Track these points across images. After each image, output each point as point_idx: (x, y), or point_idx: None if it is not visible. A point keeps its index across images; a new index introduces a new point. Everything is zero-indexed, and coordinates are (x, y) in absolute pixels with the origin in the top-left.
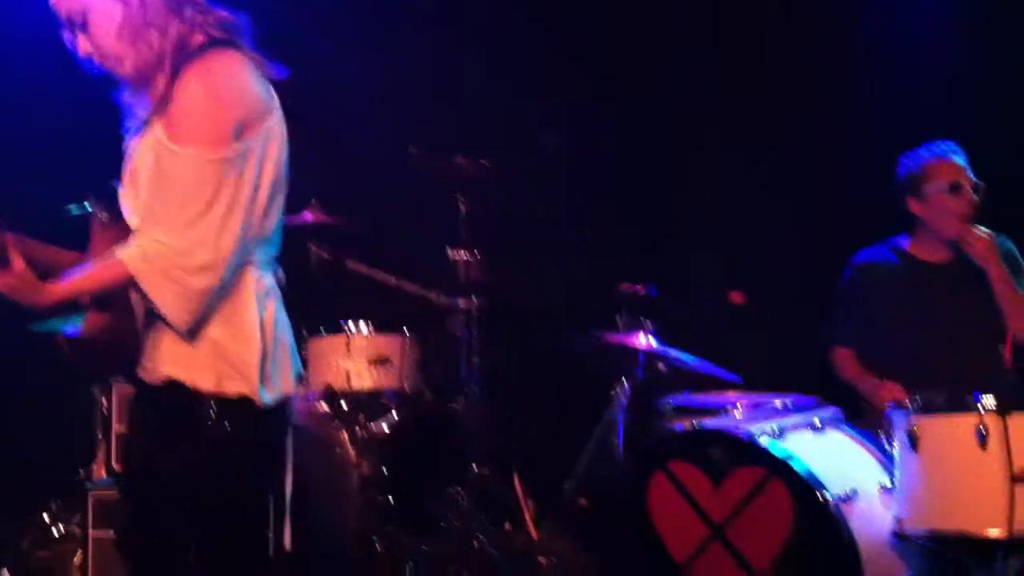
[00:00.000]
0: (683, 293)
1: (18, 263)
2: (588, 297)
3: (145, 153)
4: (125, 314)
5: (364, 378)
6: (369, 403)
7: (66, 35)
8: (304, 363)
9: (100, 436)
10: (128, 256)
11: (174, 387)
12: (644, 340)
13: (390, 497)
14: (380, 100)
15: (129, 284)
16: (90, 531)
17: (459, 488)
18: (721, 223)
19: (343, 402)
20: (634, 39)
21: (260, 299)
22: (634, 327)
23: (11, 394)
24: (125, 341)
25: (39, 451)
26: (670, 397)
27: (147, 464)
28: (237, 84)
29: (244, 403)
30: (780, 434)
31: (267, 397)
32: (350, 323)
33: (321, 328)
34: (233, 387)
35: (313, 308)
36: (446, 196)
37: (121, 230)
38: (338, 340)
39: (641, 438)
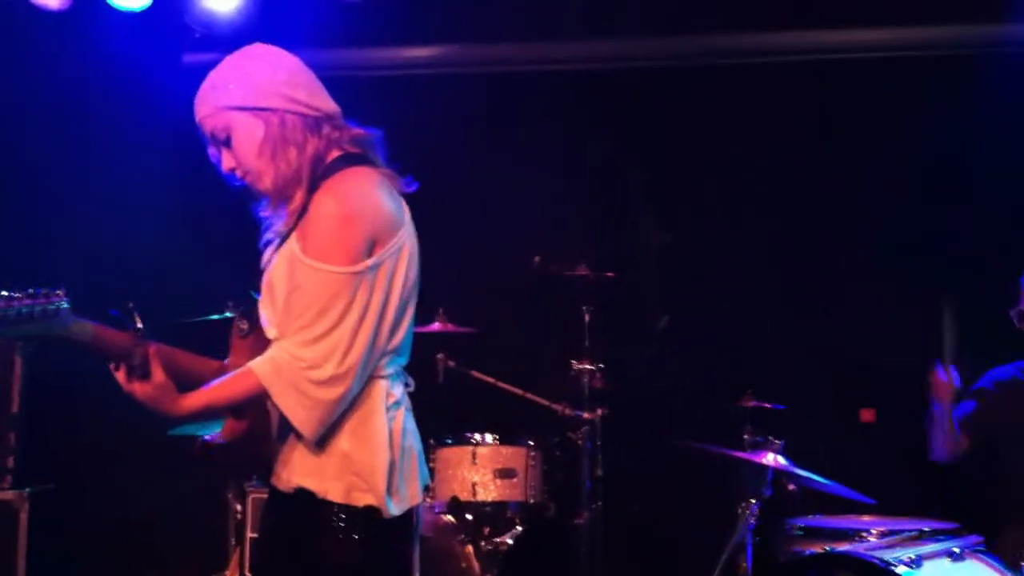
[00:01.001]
0: (812, 410)
1: (158, 374)
2: (713, 412)
3: (281, 265)
4: (261, 422)
5: (489, 490)
6: (494, 515)
7: (211, 151)
8: (431, 473)
9: (234, 541)
10: (259, 368)
11: (304, 496)
12: (772, 458)
13: None
14: (506, 211)
15: (261, 396)
16: None
17: None
18: (850, 338)
19: (468, 514)
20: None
21: (389, 410)
22: (762, 444)
23: (146, 498)
24: (260, 448)
25: (173, 554)
26: (800, 519)
27: (275, 571)
28: (369, 200)
29: (371, 513)
30: (917, 562)
31: (394, 508)
32: (476, 434)
33: (448, 438)
34: (361, 498)
35: (439, 418)
36: (571, 307)
37: (260, 340)
38: (464, 451)
39: (770, 561)
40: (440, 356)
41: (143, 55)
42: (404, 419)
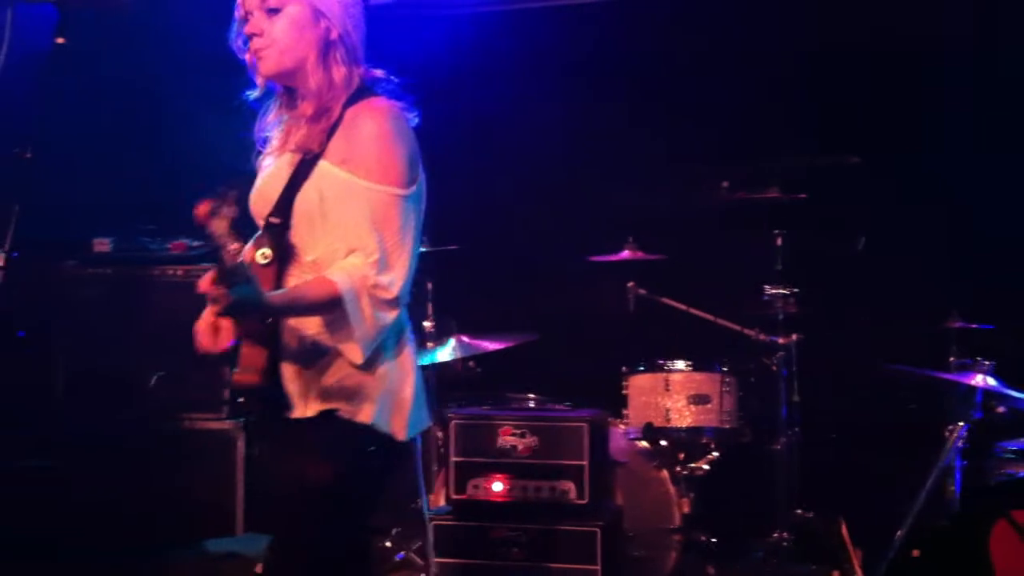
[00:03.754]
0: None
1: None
2: (917, 333)
3: (318, 188)
4: (272, 353)
5: (683, 416)
6: (688, 441)
7: (241, 7)
8: (623, 400)
9: (435, 466)
10: (336, 276)
11: (329, 418)
12: (981, 379)
13: (711, 537)
14: (692, 136)
15: (332, 306)
16: (431, 557)
17: (782, 531)
18: None
19: (663, 440)
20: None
21: (409, 335)
22: (970, 366)
23: None
24: (269, 380)
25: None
26: (1011, 442)
27: (282, 489)
28: (405, 125)
29: (392, 437)
30: None
31: (412, 432)
32: (668, 361)
33: (640, 365)
34: (390, 422)
35: (631, 345)
36: (762, 231)
37: (282, 268)
38: (657, 378)
39: (981, 485)
40: (631, 284)
41: None
42: (414, 344)
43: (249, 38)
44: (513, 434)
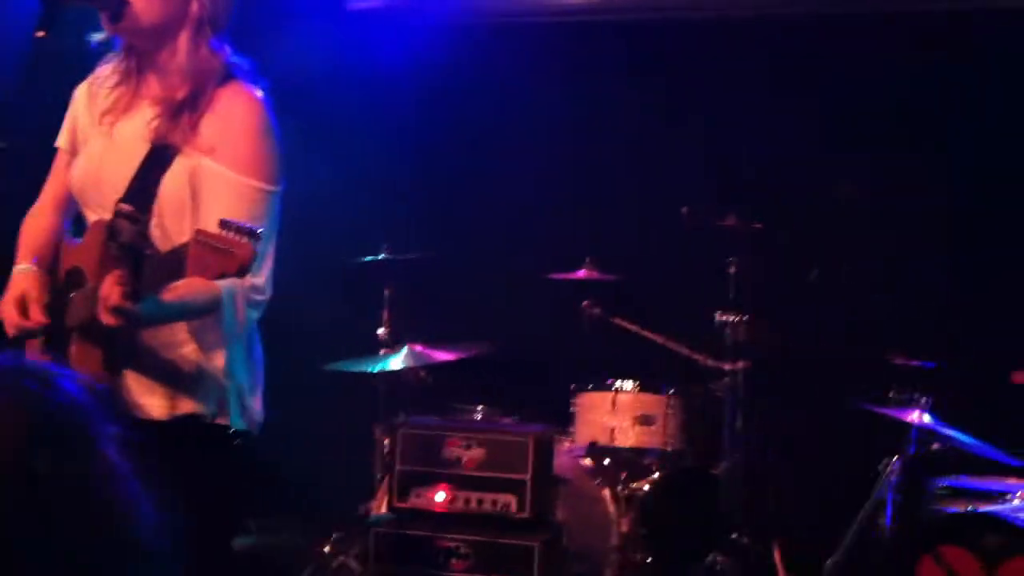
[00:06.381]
0: (964, 369)
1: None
2: (859, 367)
3: (186, 179)
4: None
5: (628, 436)
6: (631, 461)
7: None
8: (571, 417)
9: (380, 474)
10: (221, 281)
11: (190, 421)
12: (918, 416)
13: (648, 557)
14: (654, 160)
15: (212, 309)
16: (371, 564)
17: (718, 554)
18: (1010, 296)
19: (606, 458)
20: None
21: (256, 329)
22: (908, 402)
23: (299, 429)
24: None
25: (325, 485)
26: (944, 479)
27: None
28: (274, 121)
29: (248, 433)
30: None
31: (259, 428)
32: (617, 380)
33: (588, 383)
34: (247, 418)
35: (582, 363)
36: (717, 257)
37: (131, 264)
38: (604, 396)
39: (911, 519)
40: (586, 303)
41: (308, 3)
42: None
43: None
44: (459, 445)
